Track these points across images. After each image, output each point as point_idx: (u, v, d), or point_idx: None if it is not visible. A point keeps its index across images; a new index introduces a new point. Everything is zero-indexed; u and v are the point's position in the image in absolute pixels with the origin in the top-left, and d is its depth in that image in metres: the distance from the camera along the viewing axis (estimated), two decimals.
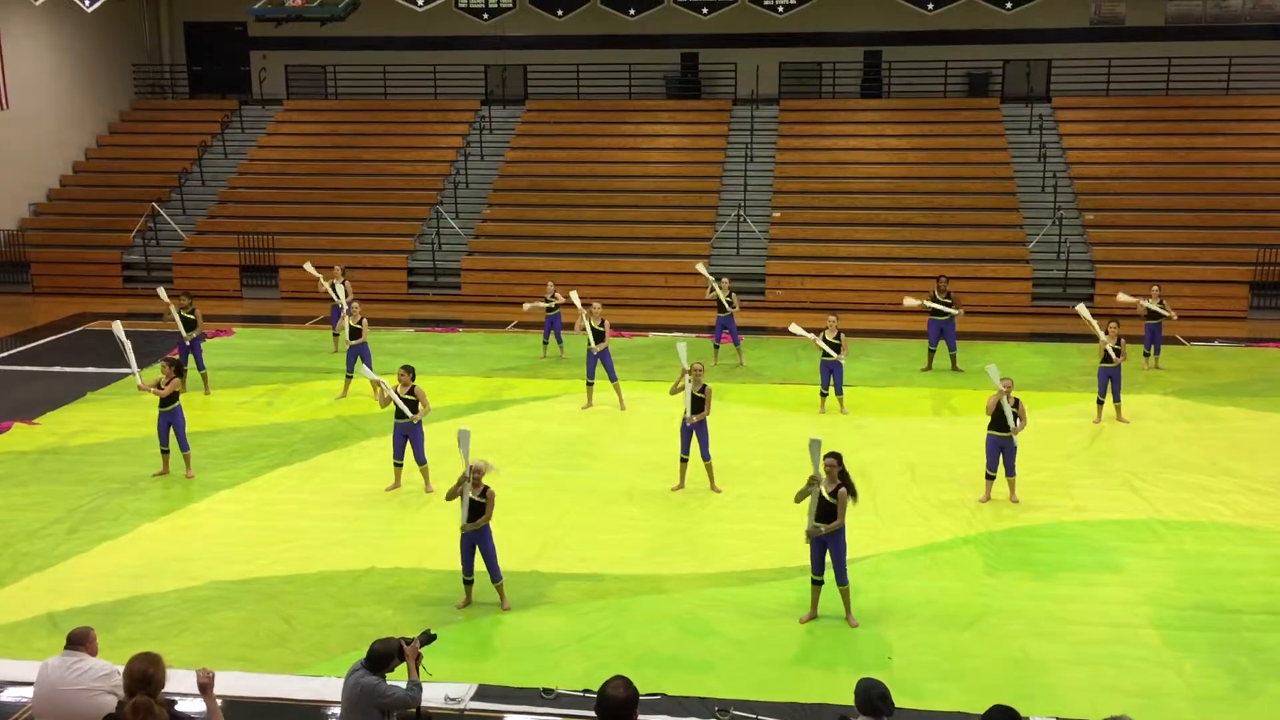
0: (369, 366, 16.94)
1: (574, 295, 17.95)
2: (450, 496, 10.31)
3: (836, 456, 9.87)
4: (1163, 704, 8.68)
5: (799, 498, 10.05)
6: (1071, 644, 9.61)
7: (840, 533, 9.86)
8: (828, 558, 9.92)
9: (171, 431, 13.68)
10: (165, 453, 13.79)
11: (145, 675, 6.21)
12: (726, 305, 18.70)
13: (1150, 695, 8.79)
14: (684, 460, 13.36)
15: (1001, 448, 12.72)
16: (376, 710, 7.07)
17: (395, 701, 7.12)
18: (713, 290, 18.91)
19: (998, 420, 12.64)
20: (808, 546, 10.00)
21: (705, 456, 13.29)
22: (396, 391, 13.03)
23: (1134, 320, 18.30)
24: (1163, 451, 14.62)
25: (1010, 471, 12.78)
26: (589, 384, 16.76)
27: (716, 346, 19.29)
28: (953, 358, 18.65)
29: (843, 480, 9.82)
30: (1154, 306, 18.26)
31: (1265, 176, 25.75)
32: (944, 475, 13.68)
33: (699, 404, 13.19)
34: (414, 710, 7.39)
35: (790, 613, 10.13)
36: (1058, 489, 13.24)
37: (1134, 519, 12.39)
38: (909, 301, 18.60)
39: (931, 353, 18.72)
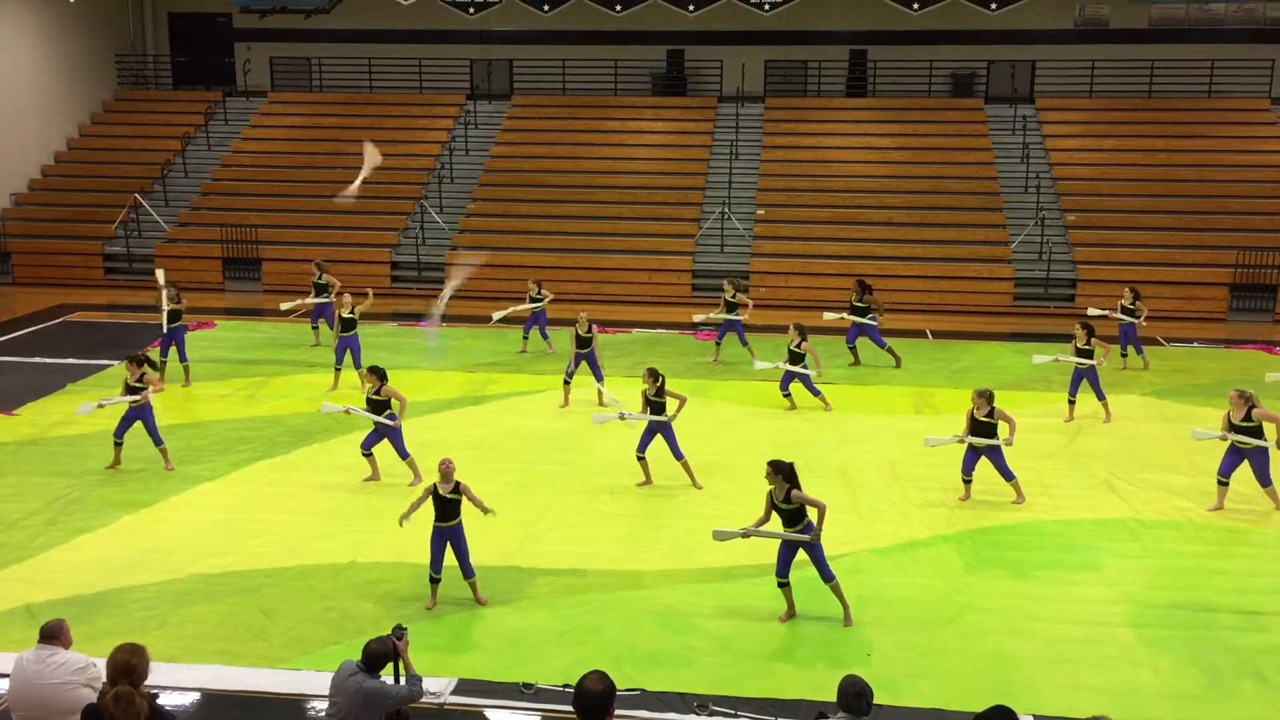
0: (358, 361, 16.90)
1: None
2: (406, 516, 10.25)
3: (772, 464, 9.78)
4: (1138, 702, 8.75)
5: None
6: (1048, 642, 9.67)
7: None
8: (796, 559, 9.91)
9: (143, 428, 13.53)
10: (118, 445, 13.65)
11: (128, 665, 6.22)
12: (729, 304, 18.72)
13: (1126, 693, 8.86)
14: (640, 458, 13.27)
15: (980, 453, 12.73)
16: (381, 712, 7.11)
17: (400, 700, 7.19)
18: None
19: (976, 430, 12.63)
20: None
21: (677, 456, 13.24)
22: (364, 395, 13.12)
23: (1108, 321, 18.49)
24: (1141, 451, 14.72)
25: (1008, 476, 12.77)
26: (566, 382, 16.67)
27: (718, 344, 19.29)
28: (892, 354, 18.88)
29: (789, 482, 9.70)
30: (1126, 304, 18.39)
31: (1246, 179, 25.93)
32: (925, 473, 13.73)
33: (657, 408, 13.15)
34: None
35: (770, 609, 10.16)
36: (1037, 488, 13.29)
37: (1112, 518, 12.48)
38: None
39: (852, 349, 19.01)
